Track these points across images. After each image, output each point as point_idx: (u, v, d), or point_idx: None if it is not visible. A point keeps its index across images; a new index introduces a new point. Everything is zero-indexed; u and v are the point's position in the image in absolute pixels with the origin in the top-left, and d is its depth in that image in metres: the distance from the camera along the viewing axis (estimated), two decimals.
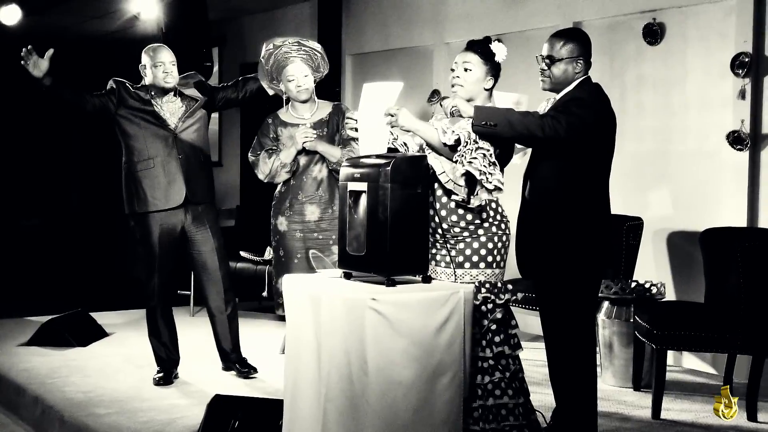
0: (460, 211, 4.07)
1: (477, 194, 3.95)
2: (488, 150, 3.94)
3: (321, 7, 8.99)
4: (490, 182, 3.89)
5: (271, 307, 8.24)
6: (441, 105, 4.15)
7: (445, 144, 3.95)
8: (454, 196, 4.01)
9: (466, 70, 4.14)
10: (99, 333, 6.97)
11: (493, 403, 4.04)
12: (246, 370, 5.67)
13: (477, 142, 3.93)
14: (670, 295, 6.02)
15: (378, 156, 4.02)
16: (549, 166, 4.08)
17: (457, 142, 3.93)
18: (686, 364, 6.05)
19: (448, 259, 4.12)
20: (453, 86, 4.17)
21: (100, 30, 10.54)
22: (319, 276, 4.22)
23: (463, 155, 3.91)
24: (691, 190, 6.15)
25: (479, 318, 3.99)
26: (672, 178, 6.28)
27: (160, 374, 5.60)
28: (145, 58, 5.48)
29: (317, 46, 5.29)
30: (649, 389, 5.38)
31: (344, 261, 4.09)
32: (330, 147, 5.16)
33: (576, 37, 4.18)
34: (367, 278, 4.04)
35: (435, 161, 4.02)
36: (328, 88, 5.38)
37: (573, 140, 3.93)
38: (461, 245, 4.09)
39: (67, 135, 12.77)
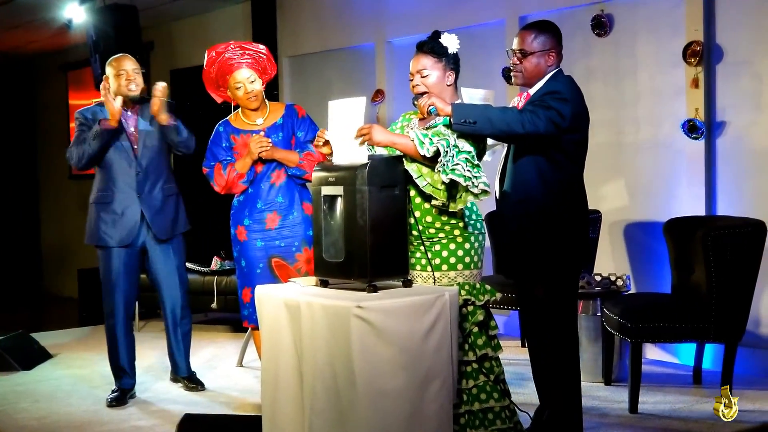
0: (435, 212, 3.97)
1: (461, 198, 3.84)
2: (470, 152, 3.83)
3: (255, 8, 8.80)
4: (477, 186, 3.79)
5: (220, 319, 8.07)
6: (415, 104, 4.03)
7: (424, 156, 3.83)
8: (434, 201, 3.90)
9: (423, 76, 4.04)
10: (43, 355, 6.70)
11: (479, 407, 3.96)
12: (193, 386, 5.58)
13: (458, 146, 3.82)
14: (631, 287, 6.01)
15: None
16: (528, 161, 3.99)
17: (437, 153, 3.81)
18: (650, 355, 6.04)
19: (424, 261, 4.01)
20: (414, 94, 4.07)
21: (25, 39, 10.21)
22: (293, 285, 4.06)
23: (444, 165, 3.79)
24: (647, 180, 6.15)
25: (460, 321, 3.89)
26: (627, 170, 6.27)
27: (115, 394, 5.41)
28: (108, 69, 5.40)
29: (262, 48, 5.11)
30: (620, 383, 5.37)
31: (321, 268, 3.95)
32: (287, 153, 5.00)
33: (547, 30, 4.12)
34: (344, 285, 3.90)
35: (411, 165, 3.90)
36: (266, 91, 5.26)
37: (553, 134, 3.86)
38: (437, 247, 3.99)
39: None
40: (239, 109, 5.12)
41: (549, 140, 3.89)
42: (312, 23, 8.49)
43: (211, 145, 5.05)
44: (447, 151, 3.79)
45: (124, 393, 5.41)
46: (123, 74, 5.33)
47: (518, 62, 4.08)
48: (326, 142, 4.00)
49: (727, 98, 5.70)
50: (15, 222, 12.39)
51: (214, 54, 4.99)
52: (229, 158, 5.02)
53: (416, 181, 3.88)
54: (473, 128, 3.79)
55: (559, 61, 4.11)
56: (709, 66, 5.75)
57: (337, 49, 8.34)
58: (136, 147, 5.38)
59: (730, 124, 5.69)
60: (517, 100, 4.19)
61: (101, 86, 5.25)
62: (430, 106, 3.88)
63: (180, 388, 5.61)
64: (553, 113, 3.84)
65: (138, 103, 5.44)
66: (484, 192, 3.80)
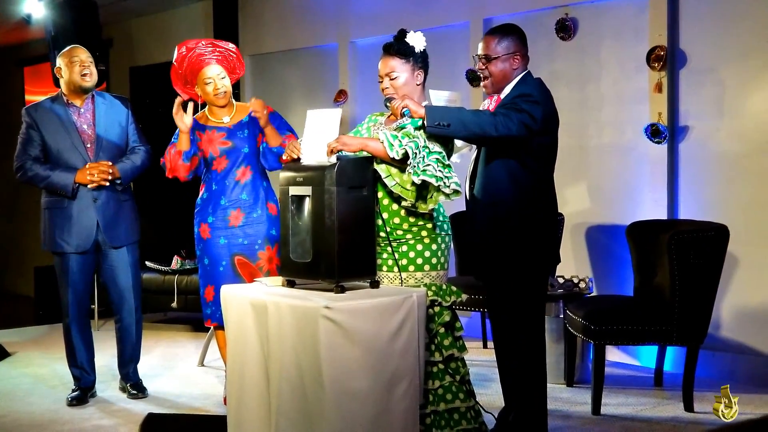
0: (403, 213, 3.96)
1: (431, 198, 3.83)
2: (440, 152, 3.83)
3: (216, 6, 8.74)
4: (448, 186, 3.79)
5: (180, 318, 8.00)
6: (387, 106, 4.01)
7: (393, 158, 3.82)
8: (403, 203, 3.89)
9: (391, 78, 4.04)
10: (0, 353, 6.58)
11: (445, 407, 3.96)
12: (135, 392, 5.40)
13: (428, 147, 3.81)
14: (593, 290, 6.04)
15: None
16: (499, 164, 3.99)
17: (406, 155, 3.80)
18: (611, 357, 6.07)
19: (390, 262, 4.00)
20: (385, 96, 4.06)
21: None
22: (259, 285, 4.03)
23: (414, 166, 3.78)
24: (609, 184, 6.19)
25: (427, 322, 3.89)
26: (589, 173, 6.30)
27: (75, 393, 5.33)
28: (59, 60, 5.28)
29: (232, 47, 5.08)
30: (582, 384, 5.40)
31: (288, 268, 3.92)
32: (275, 130, 4.95)
33: (511, 33, 4.12)
34: (311, 285, 3.87)
35: (380, 166, 3.89)
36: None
37: (524, 137, 3.87)
38: (404, 248, 3.98)
39: None
40: (206, 108, 5.07)
41: (520, 143, 3.90)
42: (274, 22, 8.45)
43: (174, 139, 4.99)
44: (417, 153, 3.78)
45: (84, 392, 5.34)
46: (77, 62, 5.21)
47: (484, 67, 4.09)
48: (296, 159, 3.96)
49: (690, 103, 5.75)
50: None
51: (184, 50, 4.95)
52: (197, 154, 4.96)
53: (385, 181, 3.87)
54: (447, 131, 3.80)
55: (526, 64, 4.12)
56: (673, 71, 5.79)
57: (300, 48, 8.30)
58: (89, 146, 5.24)
59: (692, 129, 5.75)
60: (488, 103, 4.19)
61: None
62: (403, 108, 3.87)
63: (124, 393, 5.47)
64: (524, 116, 3.85)
65: (88, 94, 5.31)
66: (456, 192, 3.80)
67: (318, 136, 3.89)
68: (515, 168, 3.97)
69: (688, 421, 4.70)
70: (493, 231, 4.02)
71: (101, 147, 5.25)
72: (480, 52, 4.10)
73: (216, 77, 4.95)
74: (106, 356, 6.11)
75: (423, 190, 3.85)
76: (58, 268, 5.32)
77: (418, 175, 3.76)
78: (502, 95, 4.07)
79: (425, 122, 3.80)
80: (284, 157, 4.03)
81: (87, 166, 5.17)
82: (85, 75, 5.23)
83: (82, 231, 5.22)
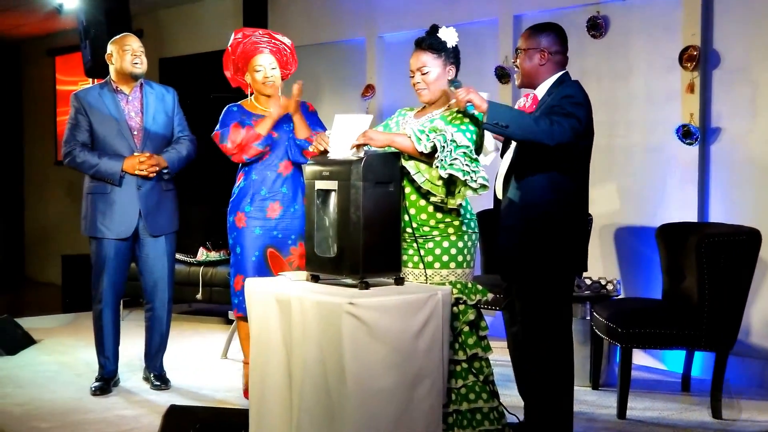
0: (430, 209, 3.93)
1: (459, 192, 3.80)
2: (468, 147, 3.79)
3: None
4: (475, 180, 3.75)
5: (204, 310, 8.01)
6: (451, 89, 3.95)
7: (421, 152, 3.79)
8: (432, 198, 3.86)
9: (423, 73, 4.00)
10: (27, 340, 6.63)
11: (468, 407, 3.92)
12: (159, 384, 5.43)
13: (455, 141, 3.77)
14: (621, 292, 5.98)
15: None
16: (538, 166, 3.92)
17: (434, 149, 3.77)
18: (637, 360, 6.00)
19: (416, 258, 3.97)
20: (417, 90, 4.04)
21: (13, 23, 10.10)
22: (283, 279, 4.00)
23: (442, 160, 3.75)
24: (638, 185, 6.12)
25: (451, 320, 3.85)
26: (618, 173, 6.23)
27: (98, 383, 5.34)
28: (111, 47, 5.34)
29: (288, 42, 5.08)
30: (607, 387, 5.34)
31: (312, 263, 3.89)
32: (304, 123, 4.94)
33: (545, 30, 4.08)
34: (335, 281, 3.84)
35: (409, 162, 3.86)
36: None
37: (572, 142, 3.83)
38: (430, 244, 3.95)
39: None
40: (252, 96, 5.06)
41: (568, 148, 3.85)
42: (303, 16, 8.42)
43: (224, 118, 4.99)
44: (444, 146, 3.75)
45: (107, 381, 5.35)
46: (129, 50, 5.28)
47: (515, 60, 4.08)
48: (323, 152, 3.94)
49: (723, 104, 5.67)
50: (0, 207, 12.29)
51: (240, 36, 4.98)
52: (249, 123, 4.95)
53: (414, 177, 3.84)
54: (504, 131, 3.78)
55: (563, 63, 4.07)
56: (706, 71, 5.72)
57: (328, 42, 8.27)
58: (135, 134, 5.29)
59: (724, 131, 5.66)
60: (524, 101, 4.16)
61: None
62: (468, 102, 3.84)
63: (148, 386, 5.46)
64: (573, 121, 3.82)
65: (137, 82, 5.37)
66: (483, 187, 3.77)
67: (346, 135, 3.86)
68: (555, 171, 3.91)
69: (715, 429, 4.63)
70: (527, 233, 3.95)
71: (148, 136, 5.31)
72: (520, 46, 4.11)
73: (267, 66, 4.97)
74: (130, 346, 6.11)
75: (451, 185, 3.81)
76: (96, 254, 5.33)
77: (445, 169, 3.73)
78: (539, 93, 4.03)
79: (485, 118, 3.77)
80: (311, 149, 4.01)
81: (136, 156, 5.21)
82: (136, 63, 5.29)
83: (123, 218, 5.26)
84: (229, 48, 5.00)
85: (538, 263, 3.96)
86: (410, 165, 3.84)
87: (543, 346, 4.00)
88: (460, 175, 3.73)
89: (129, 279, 5.52)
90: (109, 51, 5.33)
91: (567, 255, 3.97)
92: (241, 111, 5.01)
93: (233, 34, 4.98)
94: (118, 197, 5.24)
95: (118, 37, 5.38)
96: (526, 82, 4.10)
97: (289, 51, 5.08)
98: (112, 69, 5.33)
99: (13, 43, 11.74)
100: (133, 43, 5.32)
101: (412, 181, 3.88)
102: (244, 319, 4.94)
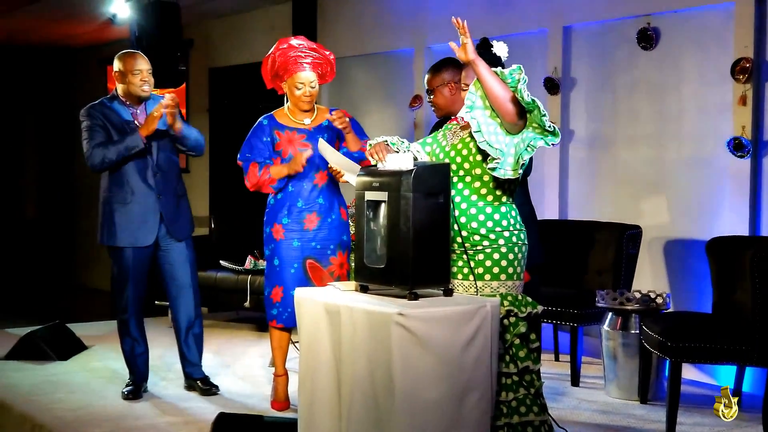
0: (481, 218, 3.92)
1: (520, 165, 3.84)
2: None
3: (295, 9, 8.78)
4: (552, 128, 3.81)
5: (251, 318, 8.05)
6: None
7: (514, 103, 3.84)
8: (491, 164, 3.84)
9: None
10: (78, 346, 6.73)
11: (518, 420, 3.89)
12: (207, 388, 5.46)
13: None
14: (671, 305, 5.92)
15: None
16: None
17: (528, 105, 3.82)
18: (686, 374, 5.93)
19: (465, 270, 3.96)
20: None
21: (67, 33, 10.26)
22: (333, 289, 4.02)
23: (520, 90, 3.82)
24: (688, 197, 6.06)
25: (502, 332, 3.84)
26: (668, 186, 6.18)
27: (130, 387, 5.41)
28: (119, 64, 5.35)
29: (330, 55, 5.09)
30: (656, 402, 5.29)
31: (362, 273, 3.90)
32: (355, 136, 4.98)
33: (448, 64, 4.66)
34: (384, 291, 3.85)
35: (478, 118, 3.90)
36: None
37: None
38: (481, 256, 3.93)
39: (18, 143, 12.46)
40: (286, 105, 5.08)
41: None
42: (352, 27, 8.46)
43: (251, 137, 5.03)
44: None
45: (138, 387, 5.41)
46: (138, 74, 5.29)
47: (429, 100, 4.36)
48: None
49: None
50: (53, 214, 12.47)
51: (286, 46, 4.96)
52: (267, 161, 4.99)
53: (474, 135, 3.85)
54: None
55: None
56: (758, 83, 5.66)
57: (376, 53, 8.30)
58: (148, 145, 5.30)
59: None
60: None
61: (163, 105, 5.14)
62: None
63: (195, 393, 5.49)
64: None
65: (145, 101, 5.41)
66: (554, 134, 3.81)
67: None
68: None
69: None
70: None
71: (159, 146, 5.34)
72: None
73: (308, 83, 4.96)
74: (175, 352, 6.17)
75: (509, 155, 3.83)
76: (118, 263, 5.35)
77: (523, 99, 3.78)
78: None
79: None
80: (368, 158, 4.03)
81: (152, 112, 5.24)
82: (144, 88, 5.32)
83: (145, 225, 5.29)
84: (271, 53, 5.00)
85: None
86: (476, 121, 3.89)
87: None
88: (537, 110, 3.77)
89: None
90: (116, 69, 5.34)
91: None
92: (272, 124, 5.02)
93: (278, 42, 4.98)
94: (138, 205, 5.28)
95: (125, 55, 5.37)
96: (446, 113, 4.47)
97: (329, 63, 5.08)
98: (119, 86, 5.36)
99: (67, 52, 11.94)
100: (143, 65, 5.32)
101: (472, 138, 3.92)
102: (284, 329, 5.00)
